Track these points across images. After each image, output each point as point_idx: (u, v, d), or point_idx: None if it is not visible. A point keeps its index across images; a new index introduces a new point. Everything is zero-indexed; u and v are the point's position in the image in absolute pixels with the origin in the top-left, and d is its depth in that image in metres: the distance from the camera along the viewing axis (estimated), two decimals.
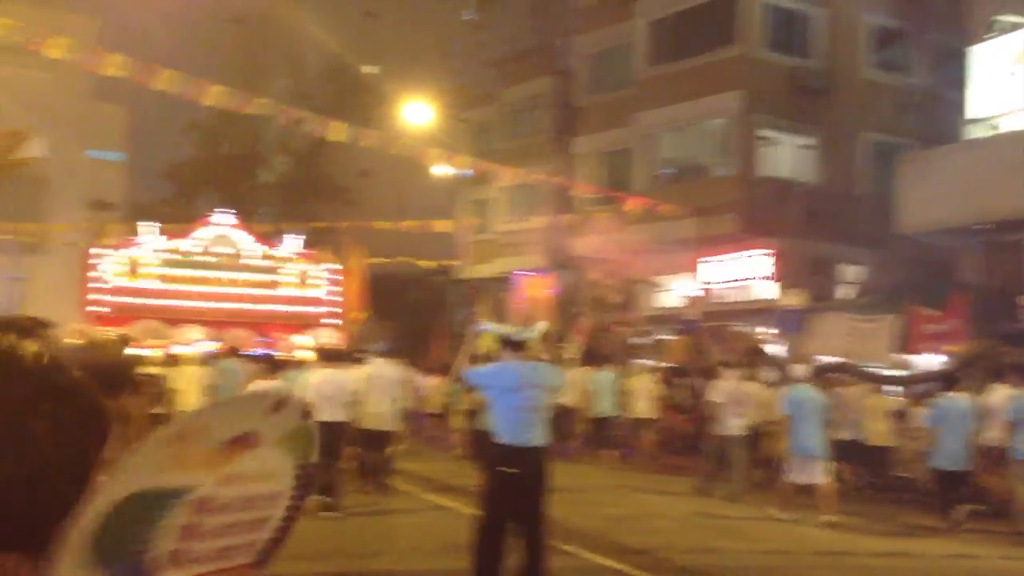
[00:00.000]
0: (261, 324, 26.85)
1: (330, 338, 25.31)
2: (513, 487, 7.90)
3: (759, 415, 15.14)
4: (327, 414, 12.11)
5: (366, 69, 45.92)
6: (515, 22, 35.29)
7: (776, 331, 22.84)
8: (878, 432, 15.56)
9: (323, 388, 12.27)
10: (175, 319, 26.06)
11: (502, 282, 34.57)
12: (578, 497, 14.33)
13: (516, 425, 7.92)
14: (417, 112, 26.80)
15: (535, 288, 25.72)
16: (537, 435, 8.00)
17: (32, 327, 3.08)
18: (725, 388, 14.92)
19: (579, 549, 10.28)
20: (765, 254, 24.76)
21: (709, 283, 25.98)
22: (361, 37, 46.62)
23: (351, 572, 9.36)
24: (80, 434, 1.01)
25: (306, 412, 1.18)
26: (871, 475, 15.97)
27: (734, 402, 14.66)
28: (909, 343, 18.75)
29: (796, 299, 21.27)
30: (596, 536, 11.10)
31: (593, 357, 20.96)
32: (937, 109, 25.21)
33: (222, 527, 1.11)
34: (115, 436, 3.25)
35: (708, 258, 25.80)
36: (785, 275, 23.86)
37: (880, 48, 27.36)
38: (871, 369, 17.80)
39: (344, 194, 42.70)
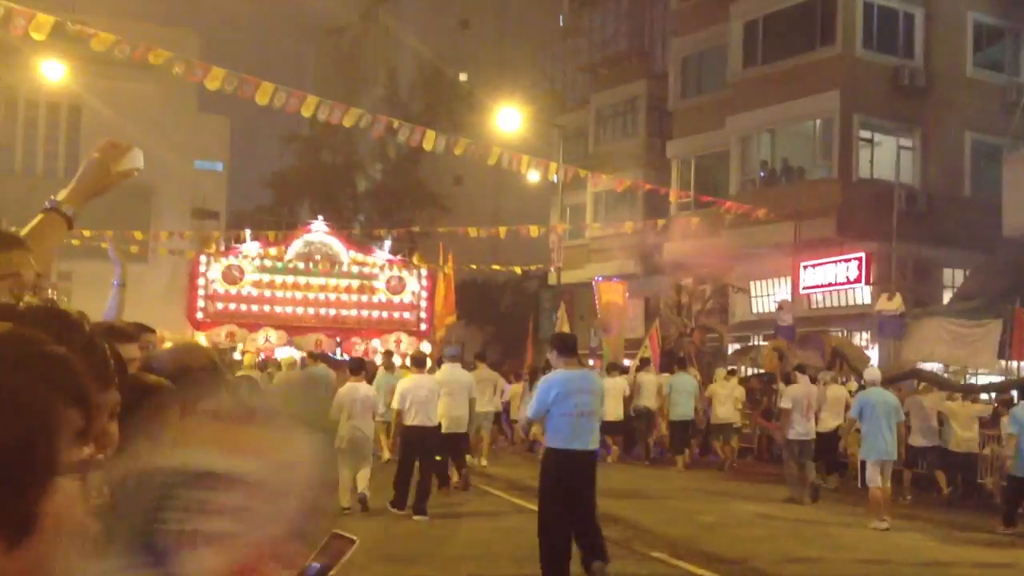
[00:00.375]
0: (354, 329, 27.37)
1: (412, 344, 25.70)
2: (565, 489, 8.20)
3: (836, 418, 15.48)
4: (419, 418, 12.28)
5: (461, 77, 46.33)
6: (609, 27, 35.23)
7: (875, 336, 22.36)
8: (963, 439, 15.31)
9: (416, 392, 12.34)
10: (272, 324, 26.74)
11: (593, 287, 34.54)
12: (665, 504, 14.24)
13: (566, 430, 8.17)
14: (510, 118, 26.90)
15: (611, 294, 25.81)
16: (587, 439, 8.29)
17: (135, 332, 3.16)
18: (792, 393, 15.02)
19: (669, 556, 10.19)
20: (863, 258, 24.25)
21: (805, 288, 25.56)
22: (455, 45, 47.10)
23: None
24: (27, 409, 1.00)
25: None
26: (957, 482, 15.68)
27: (803, 407, 14.82)
28: (1015, 349, 18.18)
29: (895, 304, 20.75)
30: (686, 543, 10.99)
31: (672, 361, 21.18)
32: None
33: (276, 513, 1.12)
34: None
35: (805, 263, 25.38)
36: (884, 280, 23.31)
37: (983, 46, 26.59)
38: (947, 376, 17.42)
39: (438, 200, 43.14)
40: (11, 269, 2.06)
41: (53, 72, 23.56)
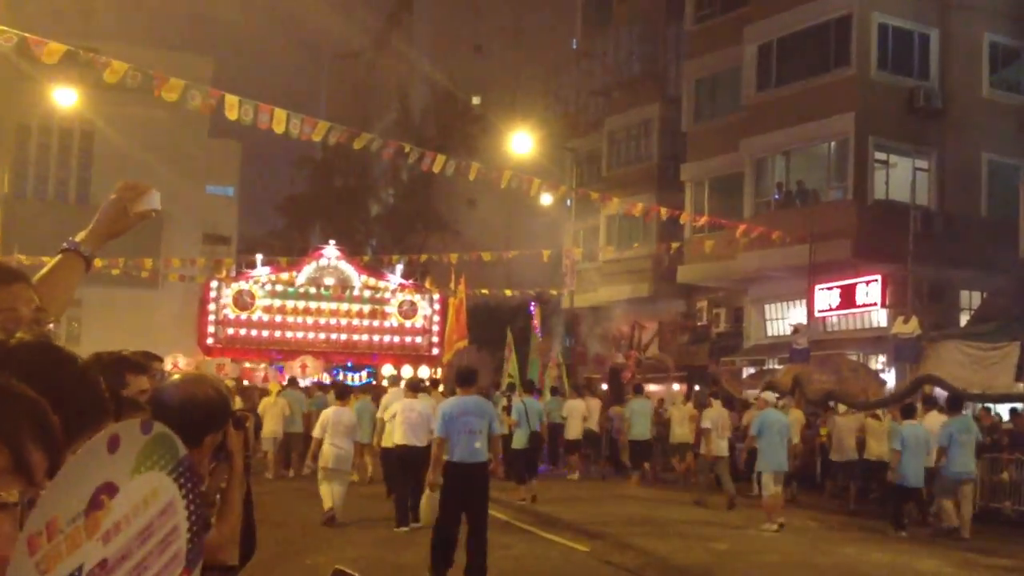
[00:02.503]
0: (365, 354, 27.30)
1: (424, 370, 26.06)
2: (460, 493, 9.68)
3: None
4: (408, 438, 12.85)
5: (474, 100, 46.40)
6: (622, 51, 35.21)
7: (891, 360, 22.13)
8: (875, 452, 16.77)
9: (408, 414, 12.93)
10: (284, 350, 26.67)
11: (606, 310, 34.37)
12: (678, 529, 14.01)
13: (459, 445, 9.73)
14: (523, 142, 26.86)
15: (538, 318, 26.19)
16: (475, 453, 9.76)
17: (146, 363, 3.12)
18: (711, 416, 17.29)
19: None
20: (879, 281, 24.03)
21: (820, 311, 25.33)
22: (468, 70, 47.18)
23: None
24: None
25: (146, 424, 1.18)
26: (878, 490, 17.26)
27: (719, 427, 17.12)
28: None
29: (911, 327, 20.54)
30: (700, 572, 10.78)
31: (632, 388, 23.05)
32: None
33: (133, 569, 1.12)
34: (219, 470, 3.21)
35: (820, 285, 25.17)
36: (901, 302, 23.08)
37: (999, 67, 26.43)
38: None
39: (451, 224, 43.09)
40: (9, 304, 2.07)
41: (65, 98, 23.60)
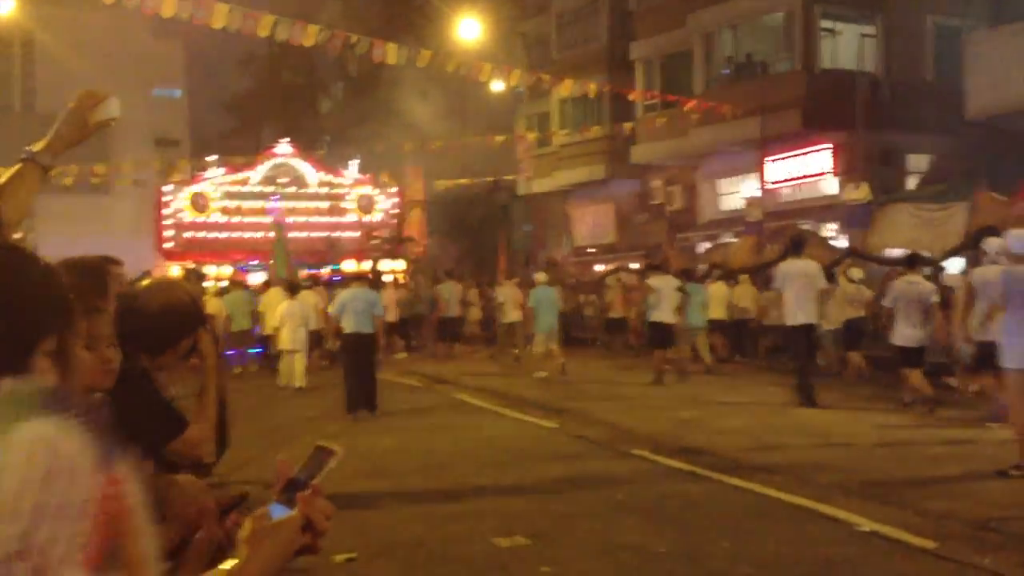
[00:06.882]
0: (326, 251, 27.31)
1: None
2: (354, 353, 13.90)
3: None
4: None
5: None
6: None
7: (844, 227, 22.57)
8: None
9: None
10: (242, 251, 26.63)
11: (563, 195, 34.50)
12: (644, 402, 14.50)
13: (351, 321, 13.83)
14: (471, 28, 26.53)
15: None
16: (363, 326, 13.83)
17: (103, 265, 3.18)
18: (504, 292, 21.93)
19: (650, 453, 10.39)
20: (830, 150, 24.31)
21: (773, 183, 25.65)
22: None
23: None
24: None
25: None
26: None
27: (511, 301, 21.44)
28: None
29: (862, 193, 20.92)
30: (666, 439, 11.21)
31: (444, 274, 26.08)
32: None
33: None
34: (193, 372, 3.32)
35: (772, 157, 25.43)
36: (851, 169, 23.44)
37: None
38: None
39: (403, 116, 42.65)
40: None
41: (2, 6, 22.91)
